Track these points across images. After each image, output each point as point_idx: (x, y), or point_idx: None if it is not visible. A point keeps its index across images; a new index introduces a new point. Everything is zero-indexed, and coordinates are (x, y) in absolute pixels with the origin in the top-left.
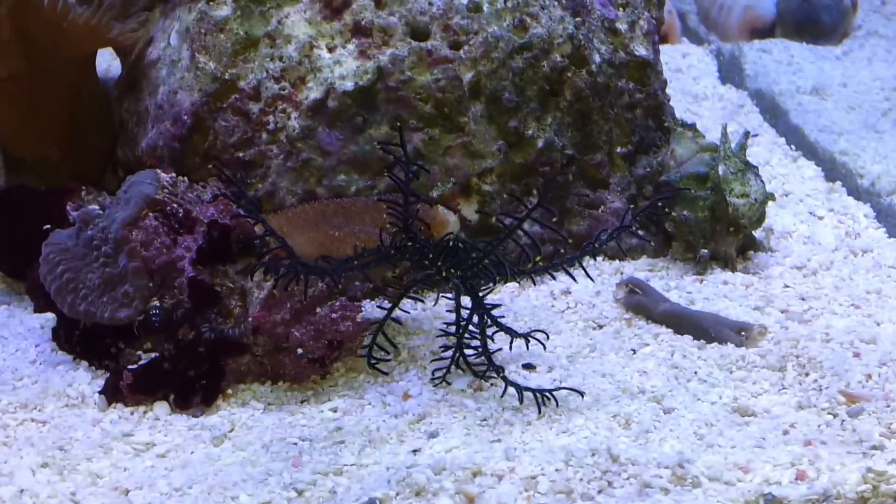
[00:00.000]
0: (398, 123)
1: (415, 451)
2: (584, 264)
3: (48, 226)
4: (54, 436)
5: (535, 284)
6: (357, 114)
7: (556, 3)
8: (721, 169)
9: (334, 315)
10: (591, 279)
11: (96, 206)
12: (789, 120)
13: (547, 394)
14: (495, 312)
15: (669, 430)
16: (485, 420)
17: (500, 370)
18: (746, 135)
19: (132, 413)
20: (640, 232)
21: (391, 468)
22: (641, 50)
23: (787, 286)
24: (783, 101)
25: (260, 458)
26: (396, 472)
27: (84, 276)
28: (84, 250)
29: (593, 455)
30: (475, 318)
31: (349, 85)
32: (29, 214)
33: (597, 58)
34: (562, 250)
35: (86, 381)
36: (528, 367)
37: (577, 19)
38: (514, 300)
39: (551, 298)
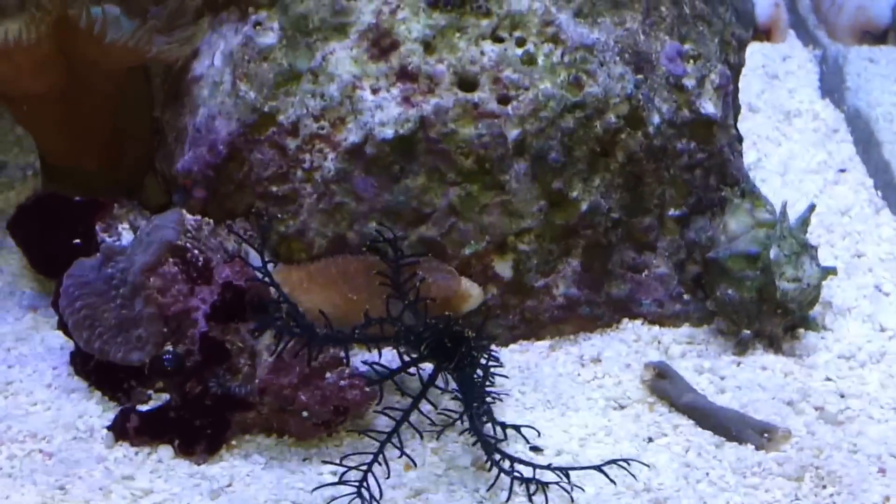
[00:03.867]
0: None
1: None
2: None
3: (78, 241)
4: (59, 471)
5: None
6: (395, 162)
7: (616, 59)
8: (773, 253)
9: (342, 383)
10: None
11: (120, 241)
12: (882, 154)
13: (546, 482)
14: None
15: None
16: (482, 500)
17: (498, 462)
18: (811, 209)
19: (137, 453)
20: (686, 297)
21: None
22: (709, 107)
23: (829, 379)
24: (879, 128)
25: None
26: None
27: (101, 314)
28: (104, 286)
29: None
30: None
31: (389, 133)
32: (62, 222)
33: (656, 118)
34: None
35: (97, 413)
36: (536, 449)
37: (639, 76)
38: (539, 364)
39: (579, 365)
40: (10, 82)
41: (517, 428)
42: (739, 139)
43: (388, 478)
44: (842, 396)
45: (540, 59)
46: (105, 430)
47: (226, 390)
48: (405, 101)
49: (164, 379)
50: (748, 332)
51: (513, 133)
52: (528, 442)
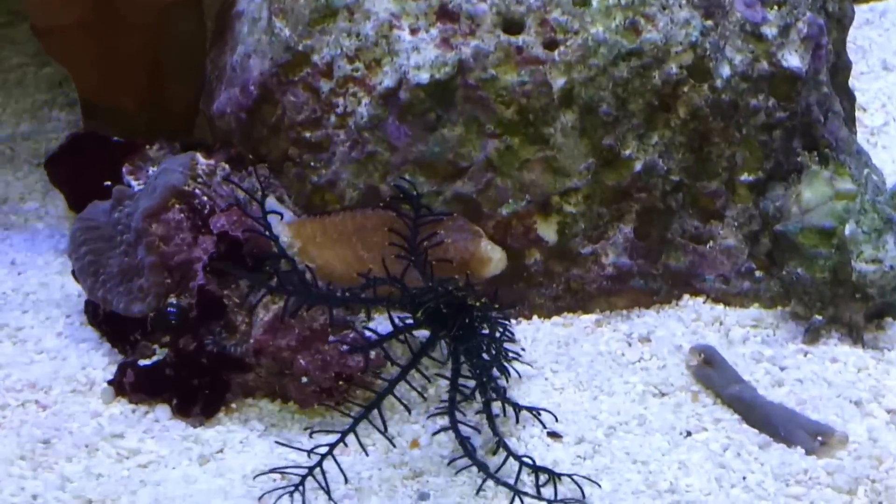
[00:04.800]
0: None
1: None
2: None
3: (108, 182)
4: (49, 424)
5: None
6: (430, 110)
7: (682, 2)
8: (849, 228)
9: (344, 348)
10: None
11: (135, 184)
12: None
13: (557, 476)
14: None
15: None
16: (483, 491)
17: (507, 447)
18: None
19: (133, 411)
20: (758, 274)
21: None
22: (793, 60)
23: None
24: None
25: (234, 488)
26: None
27: (106, 260)
28: (111, 231)
29: None
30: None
31: (424, 77)
32: (97, 162)
33: (725, 70)
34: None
35: (101, 365)
36: (554, 435)
37: (708, 22)
38: (579, 341)
39: (625, 344)
40: (38, 13)
41: (532, 410)
42: (851, 99)
43: (388, 454)
44: None
45: (593, 0)
46: (106, 384)
47: (221, 349)
48: (444, 43)
49: (166, 333)
50: (820, 317)
51: (559, 81)
52: (544, 427)
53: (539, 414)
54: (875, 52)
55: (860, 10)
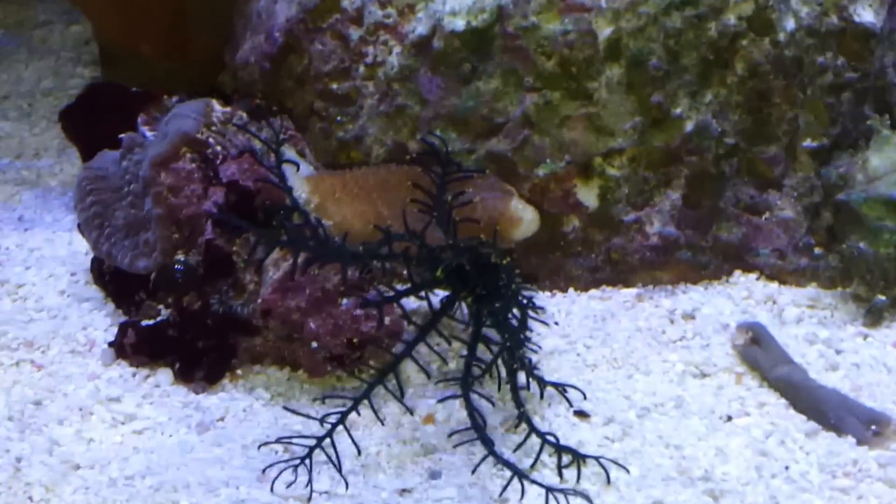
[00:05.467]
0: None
1: (404, 490)
2: None
3: (122, 135)
4: (43, 385)
5: None
6: (465, 60)
7: None
8: None
9: (357, 312)
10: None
11: (150, 135)
12: None
13: (582, 457)
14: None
15: None
16: (500, 469)
17: (529, 420)
18: None
19: (134, 374)
20: (817, 250)
21: None
22: (866, 15)
23: None
24: None
25: (233, 459)
26: None
27: (112, 212)
28: (120, 182)
29: None
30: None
31: (460, 24)
32: (114, 114)
33: (790, 23)
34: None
35: (104, 326)
36: (581, 414)
37: None
38: (617, 315)
39: (667, 321)
40: None
41: (558, 386)
42: None
43: (399, 429)
44: None
45: None
46: (106, 346)
47: (228, 309)
48: None
49: (172, 293)
50: (884, 297)
51: (605, 31)
52: (570, 405)
53: (565, 391)
54: None
55: None
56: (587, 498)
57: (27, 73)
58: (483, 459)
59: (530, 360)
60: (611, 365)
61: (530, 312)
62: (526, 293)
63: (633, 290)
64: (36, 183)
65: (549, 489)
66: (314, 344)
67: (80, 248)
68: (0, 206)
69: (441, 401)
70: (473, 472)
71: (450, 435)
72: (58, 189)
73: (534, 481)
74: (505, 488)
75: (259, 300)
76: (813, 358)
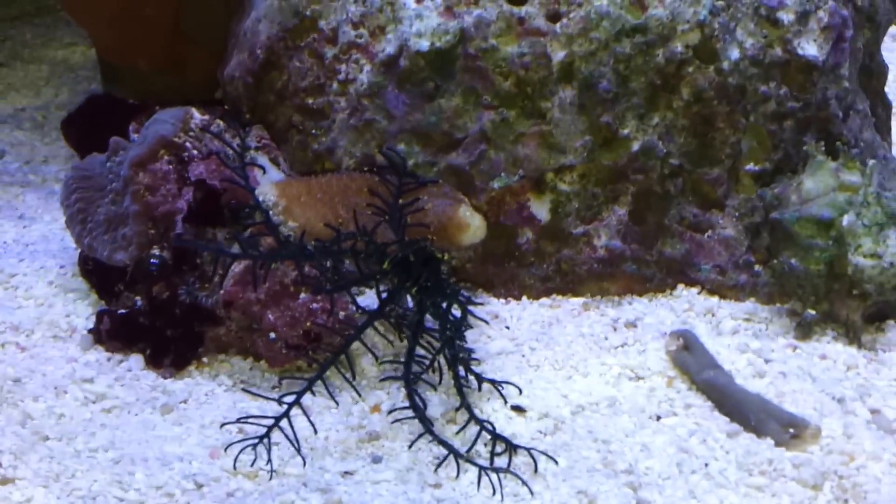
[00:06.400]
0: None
1: (346, 472)
2: None
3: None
4: (25, 365)
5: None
6: (429, 78)
7: None
8: (847, 219)
9: (314, 305)
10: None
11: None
12: None
13: (514, 447)
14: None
15: None
16: (437, 458)
17: (469, 408)
18: None
19: (109, 359)
20: (757, 268)
21: (306, 485)
22: (810, 49)
23: None
24: None
25: (190, 437)
26: (297, 493)
27: (94, 208)
28: (104, 181)
29: None
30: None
31: (424, 45)
32: (110, 123)
33: (734, 53)
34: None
35: (85, 314)
36: (518, 409)
37: (719, 2)
38: (563, 321)
39: (610, 329)
40: None
41: (492, 382)
42: (886, 106)
43: (347, 417)
44: None
45: None
46: (86, 332)
47: (193, 299)
48: (447, 11)
49: (147, 284)
50: (813, 312)
51: (559, 54)
52: (505, 402)
53: (502, 387)
54: None
55: None
56: (519, 477)
57: (45, 89)
58: (420, 436)
59: (469, 354)
60: (552, 366)
61: (470, 308)
62: (465, 293)
63: (580, 300)
64: (40, 186)
65: (483, 468)
66: (272, 335)
67: (71, 245)
68: (5, 204)
69: (383, 379)
70: (410, 446)
71: (390, 412)
72: (61, 194)
73: (469, 459)
74: (438, 465)
75: (221, 291)
76: (742, 365)
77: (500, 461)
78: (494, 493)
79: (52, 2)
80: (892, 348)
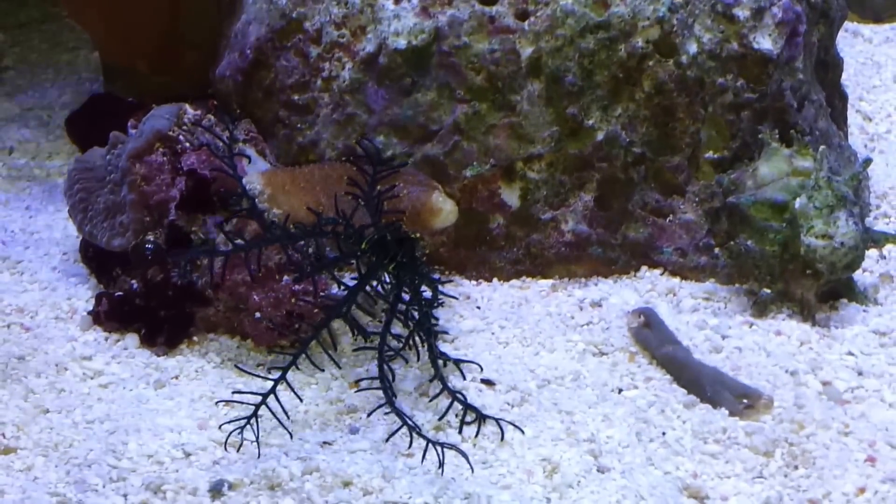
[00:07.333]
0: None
1: (325, 443)
2: None
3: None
4: (28, 344)
5: None
6: (406, 75)
7: None
8: (799, 201)
9: (296, 287)
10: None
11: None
12: None
13: (483, 417)
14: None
15: (590, 492)
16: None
17: (443, 379)
18: (866, 162)
19: (106, 338)
20: (717, 250)
21: (287, 454)
22: (765, 43)
23: (850, 353)
24: None
25: (180, 410)
26: (279, 461)
27: (95, 198)
28: (104, 173)
29: (466, 499)
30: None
31: (402, 43)
32: (111, 121)
33: (692, 47)
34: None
35: (85, 297)
36: (488, 382)
37: (678, 0)
38: (531, 302)
39: (577, 308)
40: None
41: (457, 362)
42: (843, 97)
43: (327, 391)
44: (859, 374)
45: None
46: (85, 313)
47: (185, 281)
48: (423, 12)
49: (143, 268)
50: (769, 291)
51: (527, 51)
52: (464, 377)
53: (465, 367)
54: (889, 68)
55: (882, 29)
56: (460, 451)
57: (51, 90)
58: (379, 406)
59: (437, 332)
60: (521, 343)
61: (441, 288)
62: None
63: (549, 281)
64: (45, 179)
65: (431, 441)
66: (257, 314)
67: (73, 233)
68: (12, 197)
69: (357, 350)
70: (369, 414)
71: (357, 381)
72: (63, 185)
73: (421, 434)
74: (391, 435)
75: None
76: (700, 341)
77: (470, 429)
78: (441, 466)
79: (58, 9)
80: (845, 325)
